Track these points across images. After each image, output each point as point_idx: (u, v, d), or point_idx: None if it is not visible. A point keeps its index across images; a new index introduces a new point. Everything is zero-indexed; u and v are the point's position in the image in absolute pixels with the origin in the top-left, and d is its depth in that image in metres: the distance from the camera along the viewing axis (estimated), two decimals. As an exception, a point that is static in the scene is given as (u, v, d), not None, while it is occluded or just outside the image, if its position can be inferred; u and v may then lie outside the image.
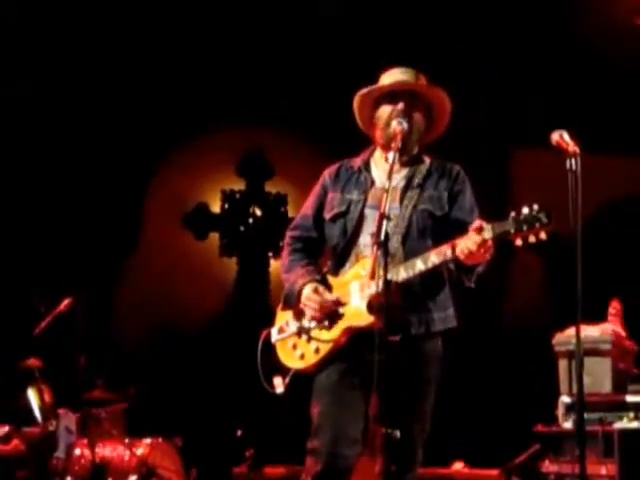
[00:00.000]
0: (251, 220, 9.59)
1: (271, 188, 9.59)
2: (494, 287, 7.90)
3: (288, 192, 9.49)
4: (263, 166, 9.54)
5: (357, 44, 7.97)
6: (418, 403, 4.14)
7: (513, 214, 3.77)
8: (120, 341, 8.64)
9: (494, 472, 6.75)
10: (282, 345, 4.36)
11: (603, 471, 5.59)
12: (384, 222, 3.77)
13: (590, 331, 5.94)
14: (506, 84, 7.92)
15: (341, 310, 4.19)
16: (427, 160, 4.34)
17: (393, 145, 4.10)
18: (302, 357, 4.27)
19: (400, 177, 4.24)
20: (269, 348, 4.38)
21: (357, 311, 4.13)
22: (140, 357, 8.38)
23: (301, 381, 4.29)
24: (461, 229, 3.97)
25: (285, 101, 8.58)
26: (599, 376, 5.92)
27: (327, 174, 4.47)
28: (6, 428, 6.63)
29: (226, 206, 9.55)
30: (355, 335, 4.14)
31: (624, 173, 7.76)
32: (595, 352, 5.94)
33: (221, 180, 9.53)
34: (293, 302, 4.30)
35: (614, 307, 6.41)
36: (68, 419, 6.78)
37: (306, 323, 4.27)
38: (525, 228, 3.74)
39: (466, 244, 3.85)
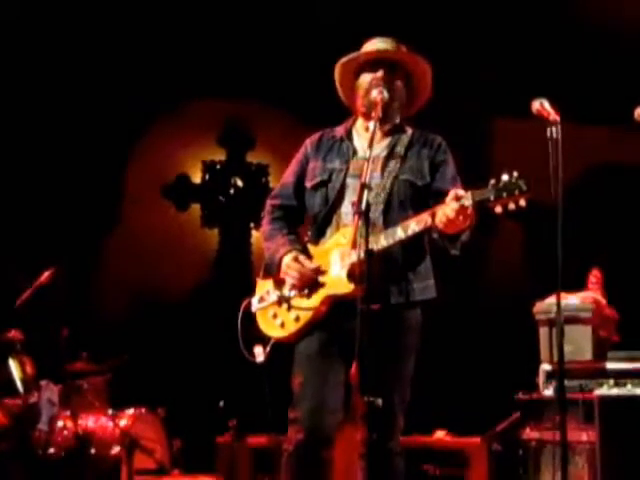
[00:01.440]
0: (232, 191, 9.57)
1: (252, 158, 9.56)
2: (475, 255, 7.93)
3: (269, 162, 9.47)
4: (244, 136, 9.51)
5: (339, 17, 7.93)
6: (398, 371, 4.16)
7: (492, 181, 3.77)
8: (102, 312, 8.64)
9: (476, 440, 6.80)
10: (262, 314, 4.37)
11: (584, 437, 5.63)
12: (365, 191, 3.77)
13: (571, 299, 5.97)
14: (486, 54, 7.90)
15: (321, 279, 4.19)
16: (409, 130, 4.34)
17: (374, 114, 4.10)
18: (282, 326, 4.28)
19: (382, 147, 4.24)
20: (250, 318, 4.39)
21: (337, 279, 4.14)
22: (122, 328, 8.38)
23: (283, 350, 4.30)
24: (442, 199, 3.97)
25: (266, 71, 8.54)
26: (580, 344, 5.95)
27: (309, 143, 4.46)
28: (-13, 400, 6.63)
29: (207, 177, 9.52)
30: (335, 303, 4.15)
31: (603, 141, 7.77)
32: (576, 320, 5.97)
33: (202, 151, 9.50)
34: (274, 271, 4.31)
35: (595, 275, 6.45)
36: (50, 391, 6.78)
37: (286, 292, 4.28)
38: (505, 195, 3.74)
39: (444, 212, 3.85)
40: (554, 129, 3.78)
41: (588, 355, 5.97)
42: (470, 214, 3.85)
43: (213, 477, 6.74)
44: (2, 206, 8.28)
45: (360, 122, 4.39)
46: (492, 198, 3.77)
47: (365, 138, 4.28)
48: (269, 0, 8.22)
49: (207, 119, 9.19)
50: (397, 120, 4.33)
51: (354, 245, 3.79)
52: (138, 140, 8.98)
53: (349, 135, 4.38)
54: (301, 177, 4.42)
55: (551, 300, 5.61)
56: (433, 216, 3.92)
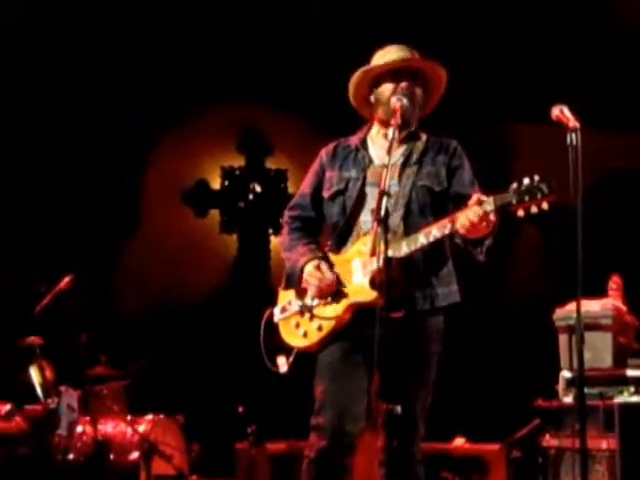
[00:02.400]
0: (251, 196, 9.59)
1: (271, 164, 9.58)
2: (495, 262, 7.91)
3: (288, 168, 9.48)
4: (263, 142, 9.53)
5: (356, 23, 7.93)
6: (419, 378, 4.16)
7: (514, 185, 3.76)
8: (121, 318, 8.65)
9: (495, 447, 6.78)
10: (285, 324, 4.36)
11: (604, 445, 5.61)
12: (384, 198, 3.77)
13: (591, 306, 5.95)
14: (506, 60, 7.89)
15: (343, 287, 4.19)
16: (424, 136, 4.34)
17: (393, 121, 4.10)
18: (305, 335, 4.27)
19: (398, 154, 4.23)
20: (272, 328, 4.39)
21: (360, 287, 4.14)
22: (142, 334, 8.40)
23: (304, 358, 4.29)
24: (462, 203, 3.97)
25: (284, 77, 8.56)
26: (600, 351, 5.93)
27: (324, 153, 4.47)
28: (8, 406, 6.63)
29: (226, 183, 9.54)
30: (358, 312, 4.15)
31: (624, 147, 7.74)
32: (596, 327, 5.94)
33: (221, 156, 9.52)
34: (295, 281, 4.31)
35: (615, 282, 6.41)
36: (70, 396, 6.80)
37: (309, 301, 4.27)
38: (527, 199, 3.73)
39: (467, 216, 3.84)
40: (574, 135, 3.76)
41: (608, 362, 5.95)
42: (492, 219, 3.85)
43: (232, 483, 6.75)
44: (22, 212, 8.32)
45: (375, 130, 4.40)
46: (514, 202, 3.76)
47: (380, 146, 4.30)
48: (289, 8, 8.22)
49: (226, 125, 9.21)
50: (414, 127, 4.34)
51: (373, 252, 3.79)
52: (158, 146, 9.00)
53: (364, 144, 4.39)
54: (318, 187, 4.43)
55: (571, 306, 5.60)
56: (453, 221, 3.91)
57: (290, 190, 9.27)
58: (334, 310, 4.20)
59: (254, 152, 9.58)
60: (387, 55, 4.31)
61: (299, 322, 4.30)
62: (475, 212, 3.82)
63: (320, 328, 4.23)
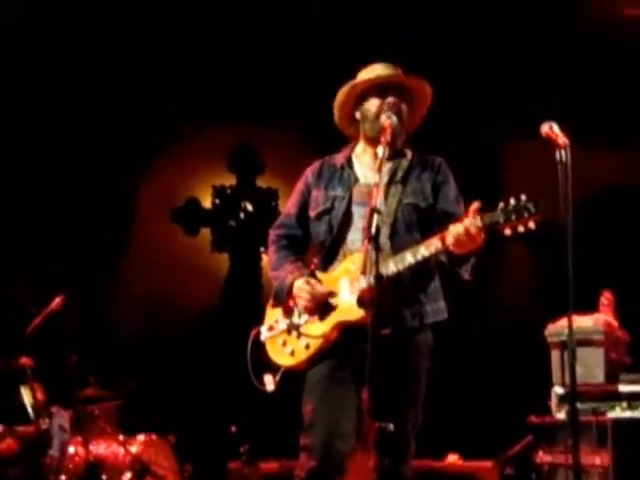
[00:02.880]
0: (242, 215, 9.58)
1: (262, 183, 9.58)
2: (486, 278, 7.91)
3: (279, 187, 9.48)
4: (254, 161, 9.53)
5: (346, 41, 7.95)
6: (410, 396, 4.15)
7: (501, 205, 3.80)
8: (112, 337, 8.62)
9: (488, 463, 6.77)
10: (272, 342, 4.36)
11: (597, 461, 5.60)
12: (375, 216, 3.78)
13: (582, 321, 5.95)
14: (497, 76, 7.91)
15: (333, 302, 4.19)
16: (408, 153, 4.36)
17: (382, 139, 4.10)
18: (292, 354, 4.27)
19: (383, 172, 4.20)
20: (259, 347, 4.38)
21: (347, 306, 4.14)
22: (132, 353, 8.37)
23: (294, 376, 4.28)
24: (447, 220, 3.99)
25: (276, 96, 8.56)
26: (592, 366, 5.93)
27: (309, 172, 4.48)
28: (-1, 427, 6.62)
29: (217, 201, 9.53)
30: (345, 330, 4.14)
31: (612, 164, 7.76)
32: (588, 342, 5.95)
33: (212, 175, 9.52)
34: (283, 298, 4.31)
35: (606, 297, 6.42)
36: (61, 417, 6.76)
37: (296, 319, 4.28)
38: (514, 218, 3.76)
39: (456, 231, 3.86)
40: (563, 152, 3.77)
41: (600, 378, 5.95)
42: (480, 236, 3.86)
43: (225, 503, 6.72)
44: (13, 232, 8.30)
45: (360, 148, 4.42)
46: (502, 221, 3.79)
47: (366, 164, 4.33)
48: (278, 27, 8.24)
49: (217, 144, 9.21)
50: (399, 144, 4.34)
51: (364, 270, 3.79)
52: (149, 165, 9.00)
53: (349, 162, 4.40)
54: (304, 207, 4.45)
55: (563, 322, 5.60)
56: (442, 240, 3.92)
57: (281, 209, 9.26)
58: (321, 328, 4.20)
59: (245, 171, 9.58)
60: (372, 72, 4.33)
61: (286, 340, 4.30)
62: (464, 228, 3.84)
63: (307, 346, 4.23)
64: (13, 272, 8.13)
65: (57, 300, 6.82)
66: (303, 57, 8.30)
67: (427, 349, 4.25)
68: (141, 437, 6.95)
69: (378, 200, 4.01)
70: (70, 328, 6.71)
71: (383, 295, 3.81)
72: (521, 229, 3.77)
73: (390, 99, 4.25)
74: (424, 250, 3.97)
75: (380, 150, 4.06)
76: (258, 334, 4.41)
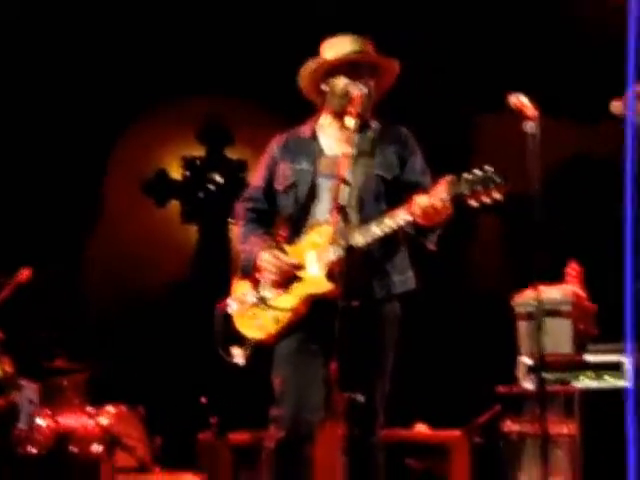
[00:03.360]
0: (212, 186, 9.54)
1: (231, 154, 9.54)
2: (455, 248, 7.93)
3: (248, 158, 9.43)
4: (223, 132, 9.49)
5: (314, 12, 7.91)
6: (378, 366, 4.18)
7: (466, 176, 3.81)
8: (83, 310, 8.60)
9: (456, 433, 6.81)
10: (240, 315, 4.36)
11: (564, 430, 5.64)
12: (343, 187, 3.78)
13: (550, 292, 5.97)
14: (464, 49, 7.91)
15: (300, 274, 4.19)
16: (373, 124, 4.35)
17: (352, 110, 4.10)
18: (261, 327, 4.27)
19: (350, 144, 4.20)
20: (227, 319, 4.38)
21: (316, 279, 4.14)
22: (102, 325, 8.35)
23: (263, 348, 4.29)
24: (414, 191, 4.00)
25: (244, 67, 8.52)
26: (559, 337, 5.96)
27: (275, 144, 4.47)
28: (-33, 400, 6.60)
29: (186, 173, 9.49)
30: (314, 303, 4.15)
31: (578, 133, 7.79)
32: (555, 313, 5.97)
33: (181, 147, 9.47)
34: (251, 271, 4.31)
35: (573, 268, 6.45)
36: (30, 389, 6.75)
37: (265, 292, 4.28)
38: (479, 189, 3.77)
39: (422, 202, 3.87)
40: (531, 124, 3.78)
41: (568, 348, 5.98)
42: (446, 208, 3.88)
43: (195, 474, 6.72)
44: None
45: (326, 120, 4.41)
46: (467, 192, 3.80)
47: (331, 136, 4.33)
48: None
49: (186, 116, 9.16)
50: (367, 116, 4.34)
51: (333, 241, 3.80)
52: (118, 137, 8.95)
53: (314, 135, 4.39)
54: (270, 180, 4.44)
55: (530, 293, 5.62)
56: (408, 211, 3.94)
57: (250, 180, 9.23)
58: (290, 301, 4.21)
59: (215, 142, 9.53)
60: (342, 47, 4.30)
61: (255, 313, 4.30)
62: (438, 195, 3.85)
63: (277, 320, 4.24)
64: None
65: (25, 272, 6.79)
66: (271, 27, 8.25)
67: (395, 319, 4.27)
68: (110, 409, 6.96)
69: (341, 171, 4.03)
70: (40, 301, 6.68)
71: (352, 267, 3.82)
72: (487, 200, 3.78)
73: (362, 83, 4.23)
74: (389, 221, 3.99)
75: (350, 121, 4.06)
76: (225, 307, 4.41)
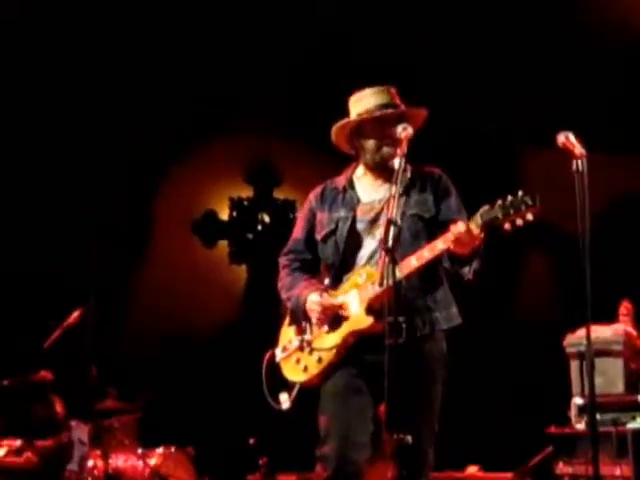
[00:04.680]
0: (260, 227, 9.58)
1: (279, 195, 9.58)
2: (506, 287, 7.88)
3: (296, 198, 9.48)
4: (271, 173, 9.54)
5: (362, 51, 7.95)
6: (426, 405, 4.16)
7: (499, 201, 3.88)
8: (131, 350, 8.64)
9: (508, 475, 6.73)
10: (286, 362, 4.43)
11: (617, 472, 5.57)
12: (391, 227, 3.80)
13: (602, 332, 5.92)
14: (511, 84, 7.89)
15: (343, 314, 4.22)
16: (408, 167, 4.40)
17: (399, 151, 4.12)
18: (305, 369, 4.33)
19: (386, 188, 4.28)
20: (274, 368, 4.43)
21: (356, 316, 4.20)
22: (151, 366, 8.38)
23: (311, 390, 4.30)
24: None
25: (292, 108, 8.57)
26: (611, 377, 5.90)
27: (312, 197, 4.59)
28: (18, 441, 6.63)
29: (234, 213, 9.54)
30: (357, 340, 4.17)
31: (629, 171, 7.73)
32: (607, 353, 5.92)
33: (229, 187, 9.53)
34: (300, 314, 4.35)
35: (625, 307, 6.39)
36: (80, 430, 6.78)
37: (308, 335, 4.32)
38: (512, 212, 3.84)
39: (457, 229, 3.94)
40: (580, 163, 3.77)
41: (620, 388, 5.92)
42: (480, 234, 3.94)
43: (244, 515, 6.71)
44: (31, 244, 8.33)
45: (361, 171, 4.50)
46: (500, 216, 3.87)
47: (367, 185, 4.42)
48: (295, 38, 8.25)
49: (234, 156, 9.23)
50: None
51: (381, 281, 3.81)
52: (167, 177, 9.03)
53: (351, 184, 4.48)
54: (310, 231, 4.54)
55: (582, 332, 5.58)
56: (444, 239, 4.00)
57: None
58: (333, 340, 4.25)
59: (262, 183, 9.59)
60: (365, 101, 4.38)
61: (299, 358, 4.35)
62: (473, 221, 3.93)
63: (320, 360, 4.28)
64: (32, 286, 8.16)
65: (75, 314, 6.85)
66: (319, 69, 8.30)
67: (440, 357, 4.26)
68: (160, 450, 6.96)
69: (384, 213, 4.12)
70: (88, 341, 6.72)
71: (392, 303, 3.84)
72: (520, 222, 3.84)
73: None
74: (427, 253, 4.03)
75: (397, 161, 4.08)
76: (273, 356, 4.47)
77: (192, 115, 8.68)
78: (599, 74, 7.61)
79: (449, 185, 4.38)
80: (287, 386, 4.38)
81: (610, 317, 6.25)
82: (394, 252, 3.77)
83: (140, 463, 6.82)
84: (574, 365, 6.04)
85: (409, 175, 4.35)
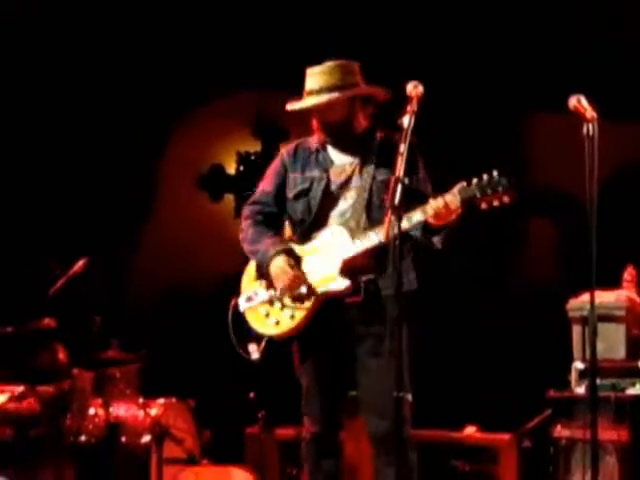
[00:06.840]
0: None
1: (287, 149, 9.55)
2: (509, 251, 7.87)
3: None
4: (278, 128, 9.50)
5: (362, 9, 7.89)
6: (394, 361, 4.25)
7: (476, 180, 4.05)
8: (135, 302, 8.67)
9: (506, 436, 6.77)
10: (252, 313, 4.61)
11: (615, 437, 5.60)
12: (398, 185, 3.84)
13: (605, 297, 5.92)
14: (521, 48, 7.83)
15: (312, 280, 4.41)
16: (378, 133, 4.57)
17: (409, 109, 4.12)
18: (277, 324, 4.52)
19: (355, 152, 4.53)
20: (238, 316, 4.53)
21: (330, 277, 4.37)
22: (155, 318, 8.41)
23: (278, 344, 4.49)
24: (417, 198, 4.23)
25: (300, 63, 8.52)
26: (613, 342, 5.91)
27: (285, 153, 4.75)
28: (21, 387, 6.67)
29: (241, 168, 9.52)
30: (328, 299, 4.38)
31: (633, 138, 7.68)
32: (609, 318, 5.93)
33: (236, 142, 9.50)
34: (264, 271, 4.47)
35: (629, 273, 6.39)
36: (82, 379, 6.83)
37: (279, 293, 4.49)
38: (489, 192, 4.01)
39: (437, 204, 4.12)
40: (591, 126, 3.76)
41: (621, 354, 5.94)
42: (458, 209, 4.12)
43: (242, 467, 6.75)
44: (38, 196, 8.34)
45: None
46: (478, 195, 4.04)
47: (339, 147, 4.58)
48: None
49: (242, 111, 9.19)
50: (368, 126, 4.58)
51: (387, 237, 3.85)
52: (173, 131, 9.00)
53: (323, 146, 4.62)
54: (280, 186, 4.67)
55: (585, 297, 5.57)
56: (423, 212, 4.19)
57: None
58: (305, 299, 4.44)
59: (270, 137, 9.55)
60: (308, 83, 4.99)
61: (269, 312, 4.54)
62: (453, 198, 4.10)
63: (292, 316, 4.46)
64: (37, 235, 8.18)
65: (80, 262, 6.86)
66: (326, 22, 8.24)
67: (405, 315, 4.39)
68: (161, 400, 7.00)
69: (353, 178, 4.43)
70: (93, 291, 6.75)
71: (364, 265, 4.22)
72: (496, 203, 4.01)
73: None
74: (405, 223, 4.08)
75: (405, 119, 4.09)
76: (236, 305, 4.55)
77: (199, 69, 8.64)
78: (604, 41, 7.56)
79: (417, 154, 4.46)
80: (254, 336, 4.54)
81: (614, 283, 6.25)
82: (400, 210, 3.81)
83: (141, 413, 6.86)
84: (576, 329, 6.05)
85: (378, 141, 4.47)
